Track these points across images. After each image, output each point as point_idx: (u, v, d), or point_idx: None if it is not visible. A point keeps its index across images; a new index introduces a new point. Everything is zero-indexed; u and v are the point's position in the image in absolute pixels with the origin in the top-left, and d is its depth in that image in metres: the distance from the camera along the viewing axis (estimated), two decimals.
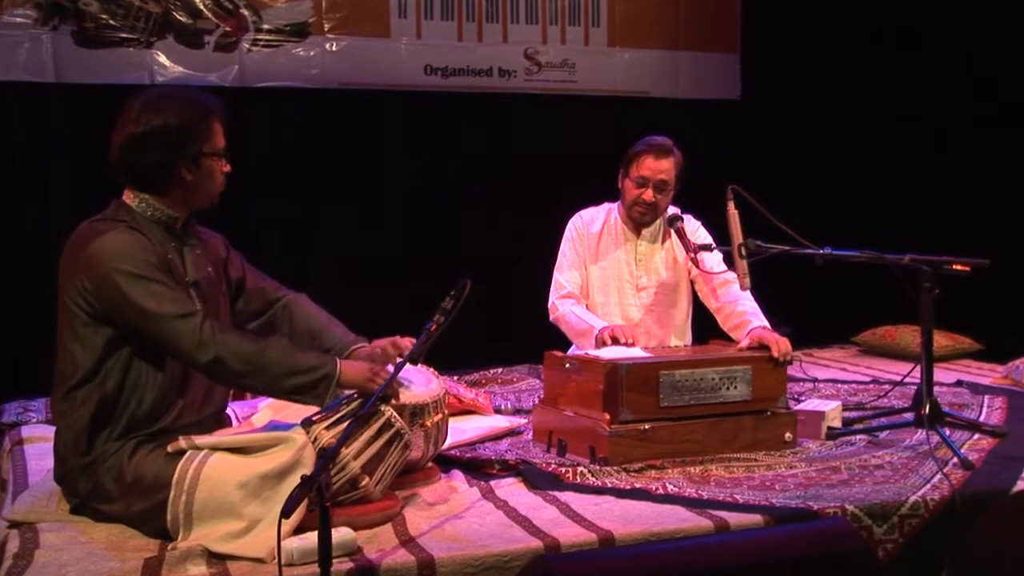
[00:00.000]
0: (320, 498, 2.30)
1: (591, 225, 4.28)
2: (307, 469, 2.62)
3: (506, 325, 5.94)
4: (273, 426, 2.90)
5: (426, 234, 5.88)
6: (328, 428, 2.78)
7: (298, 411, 2.92)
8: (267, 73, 5.55)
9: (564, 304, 4.17)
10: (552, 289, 4.26)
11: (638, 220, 4.13)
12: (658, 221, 4.22)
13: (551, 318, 4.21)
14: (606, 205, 4.33)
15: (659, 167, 4.08)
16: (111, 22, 5.28)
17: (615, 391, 3.29)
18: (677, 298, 4.25)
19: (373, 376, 2.82)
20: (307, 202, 5.72)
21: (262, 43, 5.54)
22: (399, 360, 2.90)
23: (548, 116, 6.08)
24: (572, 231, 4.29)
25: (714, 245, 3.95)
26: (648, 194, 4.07)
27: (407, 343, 3.03)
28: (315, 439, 2.75)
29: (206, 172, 2.84)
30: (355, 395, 2.84)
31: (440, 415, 3.06)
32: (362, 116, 5.78)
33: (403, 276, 5.77)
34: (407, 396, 2.96)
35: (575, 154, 5.93)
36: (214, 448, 2.70)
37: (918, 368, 3.61)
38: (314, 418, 2.82)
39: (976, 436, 3.63)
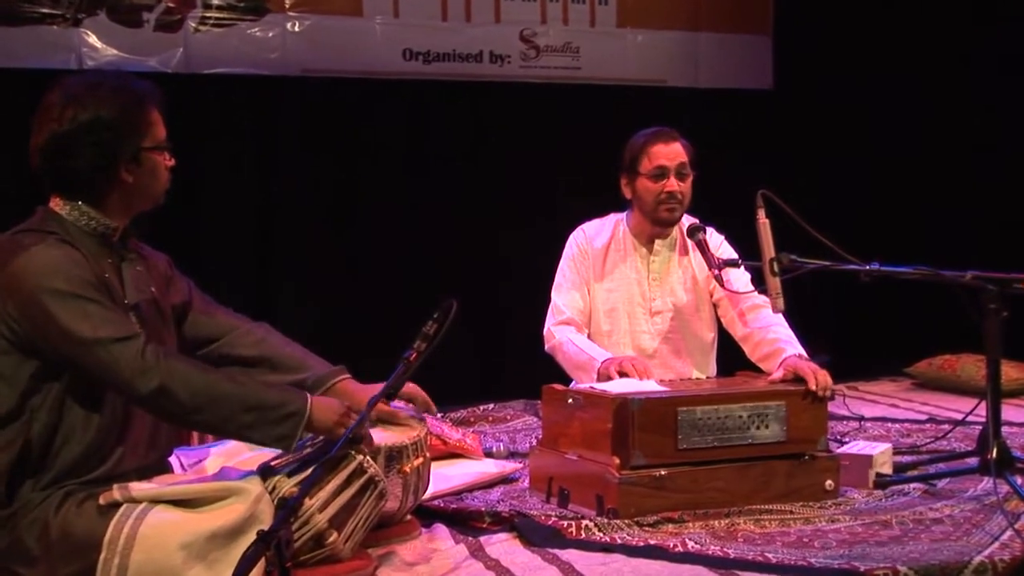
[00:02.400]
0: (279, 558, 2.30)
1: (595, 240, 4.29)
2: (264, 524, 2.61)
3: (499, 354, 5.96)
4: (225, 474, 2.90)
5: (405, 247, 5.90)
6: (289, 475, 2.78)
7: (254, 457, 2.92)
8: (217, 57, 5.58)
9: (562, 332, 4.17)
10: (549, 313, 4.27)
11: (667, 220, 4.14)
12: (674, 232, 4.24)
13: (546, 347, 4.22)
14: (612, 217, 4.34)
15: (673, 151, 4.13)
16: None
17: (625, 431, 3.30)
18: (698, 324, 4.26)
19: (344, 418, 2.83)
20: (265, 210, 5.74)
21: (211, 21, 5.57)
22: (371, 396, 2.91)
23: (547, 109, 6.11)
24: (573, 247, 4.30)
25: (741, 261, 3.97)
26: (672, 183, 4.10)
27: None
28: (274, 489, 2.75)
29: (149, 170, 2.84)
30: (320, 437, 2.85)
31: (421, 459, 3.07)
32: (330, 109, 5.80)
33: (378, 296, 5.79)
34: (383, 437, 2.97)
35: (579, 154, 5.96)
36: (154, 501, 2.70)
37: (983, 404, 3.61)
38: (273, 464, 2.83)
39: None
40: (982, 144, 6.42)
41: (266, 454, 2.85)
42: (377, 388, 2.99)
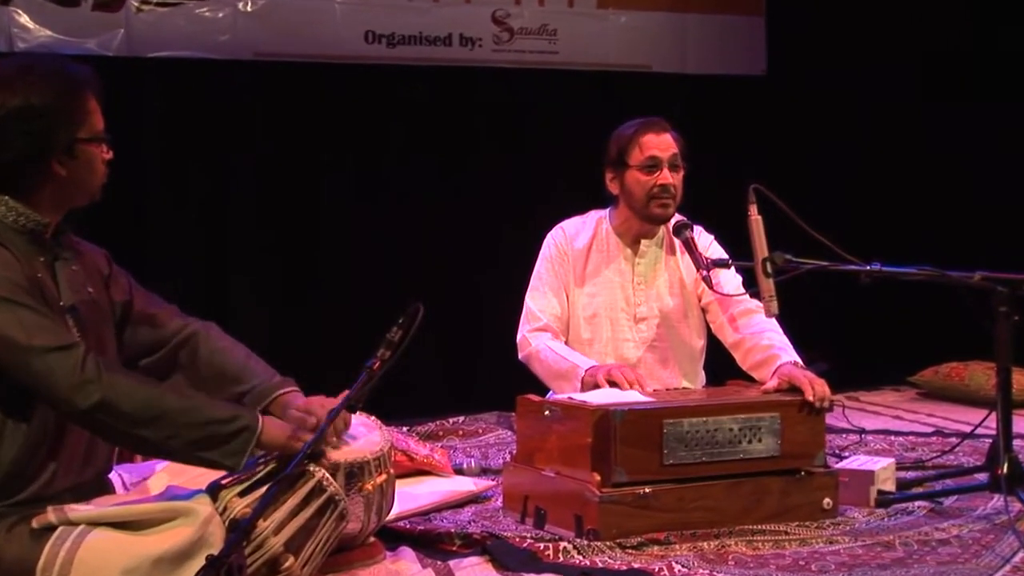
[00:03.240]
0: None
1: (575, 239, 4.29)
2: (214, 548, 2.60)
3: (470, 362, 5.96)
4: (171, 494, 2.89)
5: (368, 246, 5.89)
6: (241, 495, 2.78)
7: (203, 475, 2.91)
8: (162, 40, 5.55)
9: (538, 339, 4.16)
10: (523, 319, 4.25)
11: (659, 216, 4.14)
12: (661, 231, 4.25)
13: (520, 355, 4.21)
14: (594, 214, 4.34)
15: (665, 142, 4.13)
16: None
17: (607, 445, 3.31)
18: (686, 330, 4.26)
19: (297, 433, 2.83)
20: (214, 206, 5.72)
21: (156, 0, 5.55)
22: (333, 407, 2.91)
23: (522, 98, 6.11)
24: (551, 247, 4.30)
25: (731, 261, 3.98)
26: (665, 175, 4.10)
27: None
28: (224, 509, 2.74)
29: (84, 163, 2.83)
30: (274, 455, 2.85)
31: (384, 476, 3.07)
32: (285, 96, 5.79)
33: (340, 300, 5.78)
34: (342, 452, 2.96)
35: (556, 146, 5.96)
36: (93, 523, 2.68)
37: (993, 416, 3.64)
38: (223, 483, 2.82)
39: None
40: (991, 135, 6.46)
41: (216, 472, 2.84)
42: (323, 400, 3.00)
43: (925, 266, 3.71)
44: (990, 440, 3.69)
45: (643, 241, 4.24)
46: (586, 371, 3.89)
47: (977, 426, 4.15)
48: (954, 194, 6.52)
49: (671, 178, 4.10)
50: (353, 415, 3.06)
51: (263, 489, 2.73)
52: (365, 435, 3.14)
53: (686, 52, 6.40)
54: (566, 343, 4.21)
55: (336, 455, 2.92)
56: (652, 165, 4.10)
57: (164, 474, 3.14)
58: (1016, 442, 3.72)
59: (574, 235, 4.29)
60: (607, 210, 4.31)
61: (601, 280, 4.24)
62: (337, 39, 5.81)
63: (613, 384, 3.77)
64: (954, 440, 4.59)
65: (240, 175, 5.75)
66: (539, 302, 4.22)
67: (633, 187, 4.14)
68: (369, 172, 5.93)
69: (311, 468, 2.81)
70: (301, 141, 5.81)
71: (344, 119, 5.87)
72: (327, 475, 2.83)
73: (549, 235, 4.32)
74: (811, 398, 3.55)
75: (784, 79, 6.50)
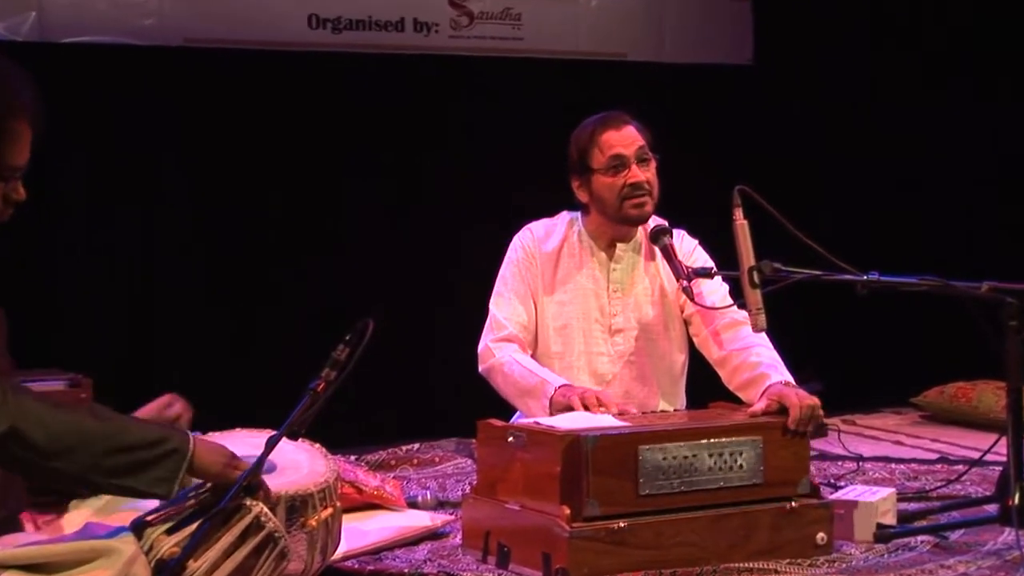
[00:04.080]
0: None
1: (544, 242, 4.29)
2: None
3: (425, 383, 5.95)
4: (90, 532, 2.87)
5: (310, 253, 5.88)
6: (169, 532, 2.75)
7: (126, 510, 2.89)
8: (79, 23, 5.53)
9: (502, 350, 4.16)
10: (486, 328, 4.25)
11: (637, 217, 4.13)
12: (639, 234, 4.25)
13: (481, 368, 4.21)
14: (565, 215, 4.34)
15: (627, 136, 4.12)
16: None
17: (577, 475, 3.31)
18: (666, 344, 4.27)
19: (233, 460, 2.81)
20: (138, 208, 5.70)
21: None
22: (273, 432, 2.90)
23: (483, 89, 6.12)
24: (518, 251, 4.30)
25: (715, 269, 3.99)
26: (635, 172, 4.09)
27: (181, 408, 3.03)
28: (150, 548, 2.72)
29: None
30: (206, 486, 2.83)
31: (330, 510, 3.06)
32: (218, 87, 5.77)
33: (280, 315, 5.77)
34: (283, 484, 2.95)
35: (521, 142, 5.97)
36: (2, 566, 2.67)
37: (1003, 441, 3.66)
38: (149, 518, 2.80)
39: None
40: (1002, 132, 6.51)
41: (140, 507, 2.82)
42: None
43: (928, 276, 3.72)
44: (1000, 468, 3.71)
45: (619, 245, 4.24)
46: (557, 390, 3.87)
47: (986, 452, 4.16)
48: (960, 196, 6.56)
49: (641, 174, 4.10)
50: (295, 442, 3.05)
51: (194, 526, 2.71)
52: (308, 465, 3.13)
53: (664, 39, 6.43)
54: (533, 356, 4.21)
55: (277, 487, 2.91)
56: (617, 165, 4.10)
57: (84, 508, 3.10)
58: None
59: (543, 237, 4.29)
60: (578, 212, 4.31)
61: (573, 287, 4.24)
62: (277, 24, 5.81)
63: (585, 406, 3.75)
64: (961, 468, 4.60)
65: (168, 175, 5.73)
66: (504, 309, 4.22)
67: (602, 192, 4.14)
68: (311, 171, 5.91)
69: (248, 502, 2.79)
70: (236, 136, 5.79)
71: (285, 112, 5.86)
72: (266, 510, 2.82)
73: (515, 237, 4.32)
74: (792, 424, 3.54)
75: (773, 68, 6.54)
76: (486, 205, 5.90)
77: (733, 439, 3.47)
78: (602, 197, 4.15)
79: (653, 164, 4.14)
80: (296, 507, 2.95)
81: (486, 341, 4.21)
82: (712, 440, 3.45)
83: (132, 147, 5.66)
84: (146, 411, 3.04)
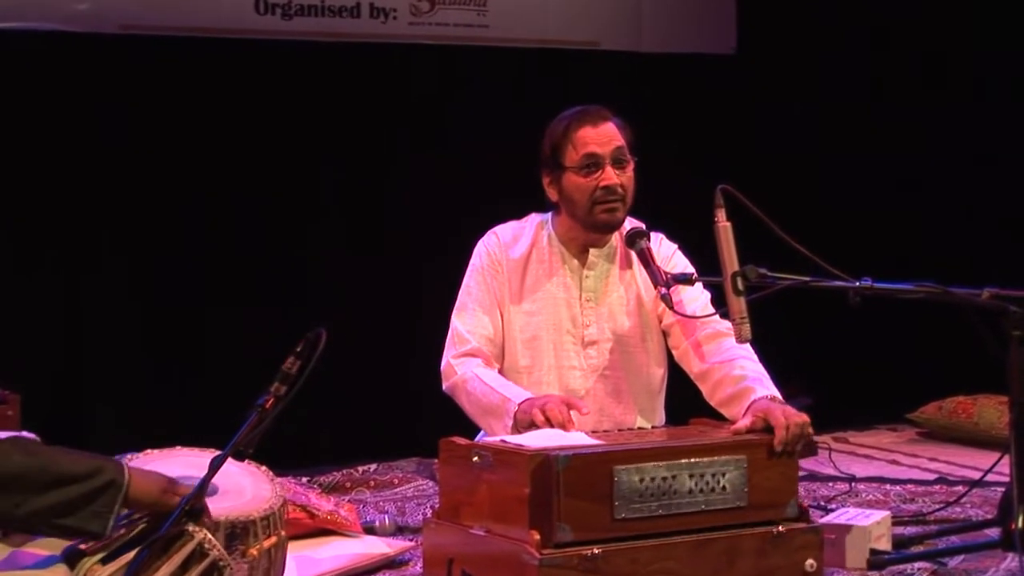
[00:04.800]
0: None
1: (511, 248, 4.28)
2: None
3: (383, 398, 5.95)
4: (15, 561, 2.86)
5: (260, 258, 5.87)
6: (105, 562, 2.75)
7: (56, 540, 2.89)
8: (7, 8, 5.52)
9: (465, 365, 4.14)
10: (448, 342, 4.24)
11: (606, 223, 4.13)
12: (613, 239, 4.26)
13: (445, 386, 4.20)
14: (533, 218, 4.33)
15: (605, 134, 4.11)
16: None
17: (548, 497, 3.31)
18: (643, 357, 4.27)
19: (172, 485, 2.81)
20: (69, 208, 5.68)
21: None
22: (217, 452, 2.90)
23: (445, 80, 6.13)
24: (482, 257, 4.29)
25: (696, 276, 4.00)
26: (609, 174, 4.08)
27: None
28: None
29: None
30: (142, 514, 2.83)
31: (273, 539, 3.05)
32: (157, 77, 5.76)
33: (225, 325, 5.76)
34: (224, 509, 2.95)
35: (486, 138, 5.98)
36: None
37: (1006, 460, 3.68)
38: (83, 546, 2.79)
39: None
40: (1002, 128, 6.55)
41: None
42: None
43: (925, 282, 3.73)
44: (1002, 489, 3.73)
45: (592, 251, 4.23)
46: (519, 405, 3.87)
47: (987, 472, 4.19)
48: (960, 196, 6.59)
49: (616, 177, 4.09)
50: (240, 464, 3.05)
51: (132, 554, 2.71)
52: (252, 490, 3.12)
53: (641, 27, 6.44)
54: (500, 371, 4.20)
55: (217, 511, 2.91)
56: (591, 164, 4.09)
57: (11, 538, 3.09)
58: None
59: (510, 242, 4.28)
60: (548, 214, 4.31)
61: (542, 296, 4.23)
62: (221, 9, 5.81)
63: (548, 419, 3.74)
64: (960, 489, 4.63)
65: (103, 172, 5.71)
66: (467, 322, 4.21)
67: (572, 192, 4.13)
68: (258, 168, 5.91)
69: (190, 527, 2.79)
70: (176, 132, 5.79)
71: (230, 106, 5.85)
72: (210, 536, 2.81)
73: (480, 242, 4.31)
74: (778, 445, 3.54)
75: (758, 58, 6.56)
76: (449, 206, 5.90)
77: (716, 459, 3.47)
78: (572, 197, 4.14)
79: (631, 167, 4.13)
80: (236, 534, 2.95)
81: (448, 357, 4.19)
82: (693, 460, 3.45)
83: (62, 142, 5.64)
84: None
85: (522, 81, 6.17)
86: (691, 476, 3.44)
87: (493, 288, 4.23)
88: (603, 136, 4.10)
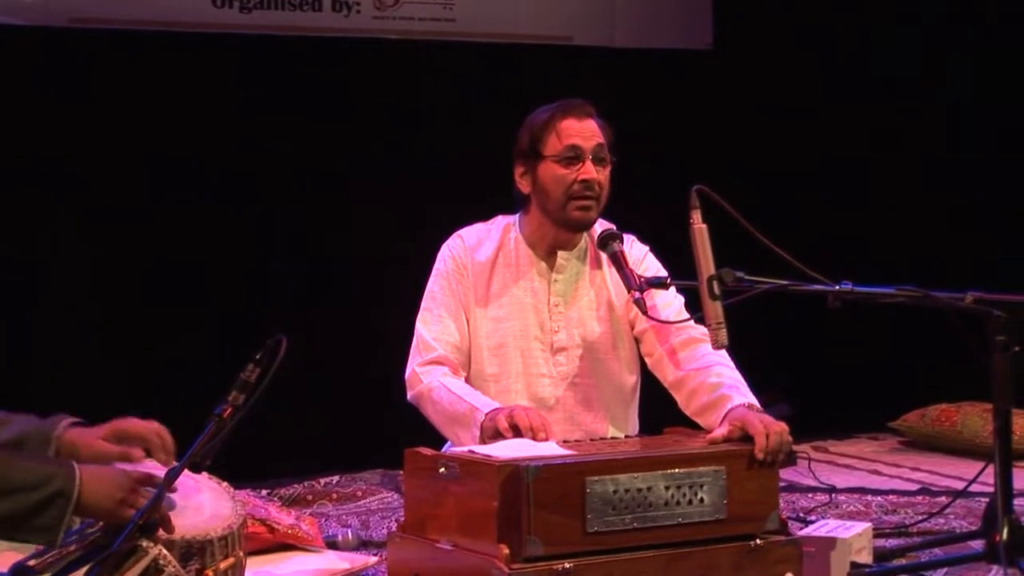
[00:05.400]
0: None
1: (477, 250, 4.29)
2: None
3: (346, 407, 5.94)
4: None
5: (218, 261, 5.86)
6: None
7: (4, 551, 2.88)
8: None
9: (431, 374, 4.14)
10: (413, 350, 4.24)
11: (579, 221, 4.13)
12: (584, 241, 4.26)
13: (410, 395, 4.20)
14: (500, 220, 4.33)
15: (589, 129, 4.13)
16: None
17: (517, 509, 3.31)
18: (615, 364, 4.28)
19: (131, 494, 2.80)
20: (19, 208, 5.67)
21: None
22: (172, 465, 2.90)
23: (409, 77, 6.12)
24: (447, 260, 4.29)
25: (670, 279, 4.01)
26: (589, 169, 4.09)
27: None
28: None
29: None
30: (97, 524, 2.83)
31: (231, 561, 3.03)
32: (109, 73, 5.75)
33: (183, 329, 5.76)
34: (182, 525, 2.94)
35: (453, 136, 5.98)
36: None
37: (990, 470, 3.70)
38: (31, 563, 2.79)
39: None
40: (985, 128, 6.59)
41: (20, 546, 2.81)
42: (135, 422, 2.99)
43: (907, 285, 3.75)
44: (987, 500, 3.74)
45: (560, 253, 4.23)
46: (486, 415, 3.87)
47: (971, 482, 4.19)
48: (943, 197, 6.62)
49: (596, 173, 4.11)
50: (197, 476, 3.05)
51: (82, 571, 2.71)
52: (211, 507, 3.11)
53: (615, 21, 6.45)
54: (467, 379, 4.20)
55: (174, 528, 2.90)
56: (573, 156, 4.09)
57: None
58: (1018, 501, 3.77)
59: (475, 245, 4.28)
60: (515, 216, 4.32)
61: (509, 301, 4.24)
62: (177, 3, 5.80)
63: (516, 429, 3.75)
64: (944, 500, 4.65)
65: (52, 170, 5.69)
66: (432, 328, 4.21)
67: (548, 183, 4.13)
68: (216, 166, 5.90)
69: (144, 543, 2.79)
70: (129, 128, 5.77)
71: (185, 102, 5.83)
72: (165, 552, 2.81)
73: (444, 245, 4.31)
74: (759, 453, 3.55)
75: (736, 54, 6.57)
76: (413, 208, 5.90)
77: (693, 470, 3.48)
78: (546, 189, 4.13)
79: (608, 169, 4.14)
80: (192, 553, 2.93)
81: (413, 365, 4.19)
82: (669, 471, 3.45)
83: (10, 139, 5.62)
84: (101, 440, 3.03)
85: (490, 78, 6.16)
86: (667, 488, 3.45)
87: (458, 293, 4.23)
88: (588, 130, 4.12)
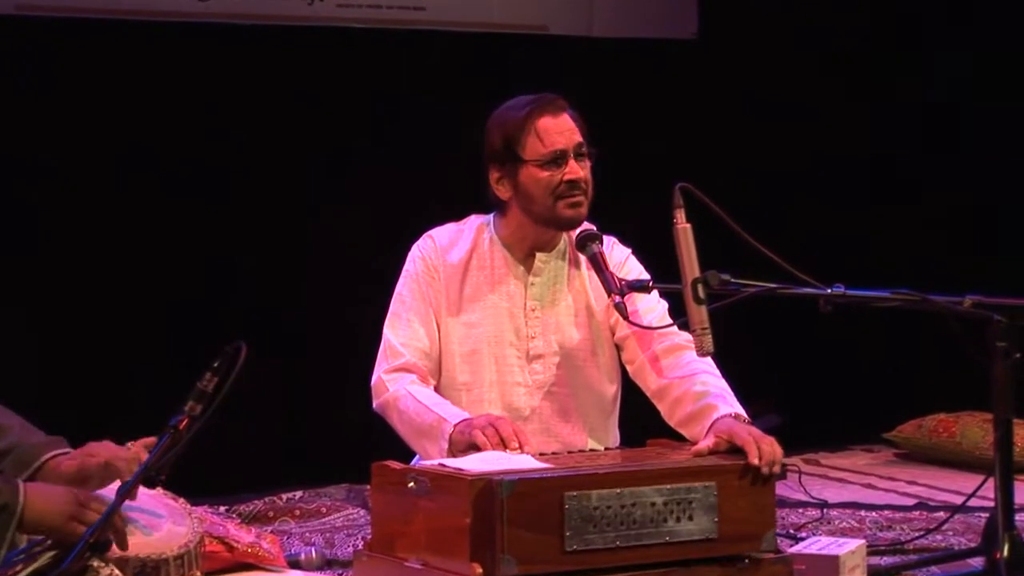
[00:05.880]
0: None
1: (449, 252, 4.28)
2: None
3: (309, 418, 5.94)
4: None
5: (174, 263, 5.85)
6: None
7: None
8: None
9: (398, 381, 4.13)
10: (380, 356, 4.23)
11: (572, 219, 4.12)
12: (562, 242, 4.26)
13: (375, 404, 4.18)
14: (474, 220, 4.32)
15: (566, 125, 4.12)
16: None
17: (491, 526, 3.31)
18: (594, 373, 4.27)
19: (80, 509, 2.79)
20: None
21: None
22: (124, 480, 2.88)
23: (377, 68, 6.12)
24: (417, 262, 4.28)
25: (653, 283, 4.00)
26: (574, 168, 4.07)
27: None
28: None
29: None
30: (46, 542, 2.81)
31: None
32: (58, 63, 5.73)
33: (139, 335, 5.74)
34: (136, 543, 2.93)
35: (423, 132, 5.98)
36: None
37: (990, 483, 3.70)
38: None
39: None
40: (984, 123, 6.61)
41: None
42: (106, 446, 2.97)
43: (902, 289, 3.75)
44: (987, 515, 3.75)
45: (539, 255, 4.21)
46: (455, 427, 3.86)
47: (970, 496, 4.19)
48: (942, 197, 6.64)
49: (580, 171, 4.09)
50: (152, 492, 3.03)
51: None
52: (168, 524, 3.11)
53: (593, 10, 6.46)
54: (437, 388, 4.19)
55: (130, 546, 2.89)
56: (556, 159, 4.09)
57: None
58: (1019, 516, 3.77)
59: (447, 246, 4.27)
60: (491, 215, 4.31)
61: (483, 305, 4.23)
62: None
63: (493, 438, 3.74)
64: (942, 515, 4.65)
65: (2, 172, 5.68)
66: (401, 334, 4.19)
67: (532, 188, 4.11)
68: (171, 164, 5.89)
69: (94, 563, 2.78)
70: (78, 120, 5.76)
71: (141, 95, 5.82)
72: (117, 572, 2.80)
73: (414, 246, 4.30)
74: (756, 461, 3.53)
75: (721, 44, 6.59)
76: (381, 206, 5.90)
77: (681, 485, 3.47)
78: (531, 194, 4.11)
79: (589, 161, 4.14)
80: (146, 573, 2.94)
81: (379, 372, 4.18)
82: (655, 486, 3.45)
83: None
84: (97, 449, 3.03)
85: (462, 69, 6.16)
86: (652, 504, 3.43)
87: (429, 296, 4.22)
88: (565, 128, 4.10)
